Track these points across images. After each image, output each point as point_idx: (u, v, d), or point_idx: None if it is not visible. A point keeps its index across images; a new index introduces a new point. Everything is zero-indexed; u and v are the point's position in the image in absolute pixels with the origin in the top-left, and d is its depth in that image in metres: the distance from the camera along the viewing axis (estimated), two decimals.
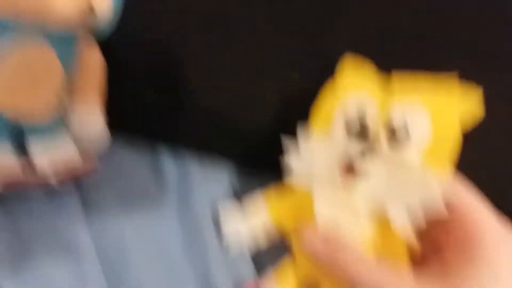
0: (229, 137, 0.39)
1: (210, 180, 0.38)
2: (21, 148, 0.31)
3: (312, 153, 0.30)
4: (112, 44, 0.33)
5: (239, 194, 0.39)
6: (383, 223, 0.28)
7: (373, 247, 0.28)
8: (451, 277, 0.23)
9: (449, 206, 0.25)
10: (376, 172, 0.28)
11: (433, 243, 0.26)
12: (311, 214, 0.29)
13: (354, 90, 0.29)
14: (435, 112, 0.27)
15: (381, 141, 0.27)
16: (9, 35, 0.27)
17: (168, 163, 0.39)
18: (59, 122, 0.32)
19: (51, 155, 0.31)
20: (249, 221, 0.32)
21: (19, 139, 0.31)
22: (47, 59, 0.30)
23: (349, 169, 0.28)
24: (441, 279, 0.23)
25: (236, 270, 0.35)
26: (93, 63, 0.33)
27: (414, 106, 0.27)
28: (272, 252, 0.35)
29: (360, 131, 0.28)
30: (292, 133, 0.31)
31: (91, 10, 0.29)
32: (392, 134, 0.27)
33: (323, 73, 0.32)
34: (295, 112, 0.32)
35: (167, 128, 0.39)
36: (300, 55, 0.36)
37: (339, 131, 0.29)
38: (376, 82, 0.30)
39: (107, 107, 0.35)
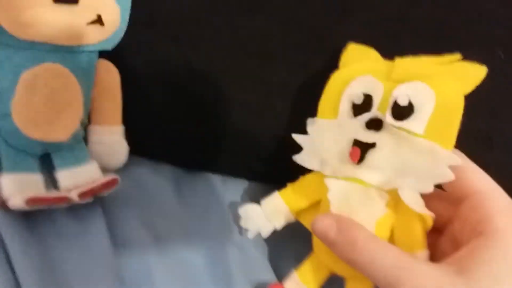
0: (250, 154, 0.39)
1: (232, 195, 0.39)
2: (46, 166, 0.32)
3: (320, 133, 0.31)
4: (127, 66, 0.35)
5: None
6: (394, 197, 0.28)
7: (386, 225, 0.28)
8: (464, 261, 0.23)
9: (462, 191, 0.26)
10: (383, 144, 0.28)
11: (453, 240, 0.26)
12: (324, 195, 0.29)
13: (360, 74, 0.30)
14: (439, 88, 0.27)
15: (386, 116, 0.27)
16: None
17: (189, 180, 0.39)
18: (82, 142, 0.34)
19: (74, 173, 0.32)
20: (265, 205, 0.34)
21: (44, 158, 0.32)
22: (69, 87, 0.31)
23: (358, 145, 0.29)
24: (455, 263, 0.23)
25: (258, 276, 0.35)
26: (111, 80, 0.34)
27: (418, 84, 0.27)
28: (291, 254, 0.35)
29: (365, 103, 0.29)
30: None
31: (99, 20, 0.30)
32: (397, 109, 0.27)
33: None
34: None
35: (187, 152, 0.40)
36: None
37: (345, 110, 0.30)
38: (381, 66, 0.30)
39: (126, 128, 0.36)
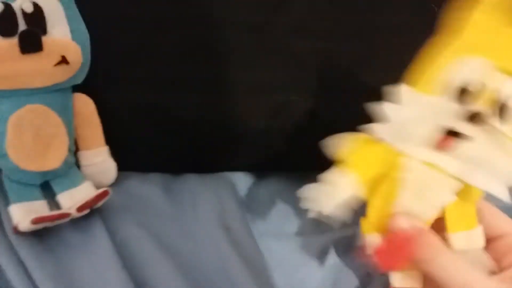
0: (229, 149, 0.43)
1: (218, 191, 0.43)
2: (48, 193, 0.38)
3: (412, 108, 0.28)
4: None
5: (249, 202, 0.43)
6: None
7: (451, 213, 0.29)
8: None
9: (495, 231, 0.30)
10: (479, 139, 0.27)
11: None
12: (392, 171, 0.29)
13: (476, 52, 0.27)
14: None
15: (489, 112, 0.27)
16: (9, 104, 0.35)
17: (176, 182, 0.44)
18: (74, 166, 0.39)
19: (72, 194, 0.38)
20: (333, 179, 0.30)
21: (45, 186, 0.38)
22: (52, 121, 0.36)
23: (451, 134, 0.27)
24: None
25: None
26: (88, 110, 0.39)
27: None
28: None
29: (477, 91, 0.27)
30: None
31: (64, 61, 0.35)
32: (501, 107, 0.27)
33: None
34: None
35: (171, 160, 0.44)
36: None
37: (448, 91, 0.27)
38: (504, 43, 0.27)
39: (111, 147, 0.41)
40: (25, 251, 0.34)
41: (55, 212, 0.35)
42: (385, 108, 0.28)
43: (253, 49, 0.40)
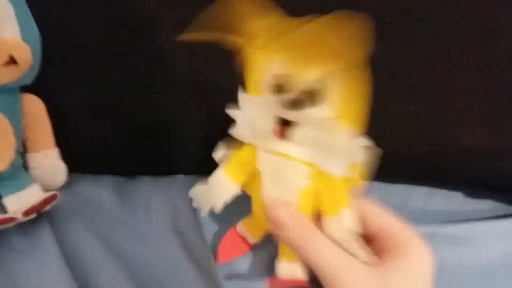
0: (177, 153, 0.43)
1: (170, 194, 0.43)
2: None
3: (251, 108, 0.32)
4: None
5: None
6: (315, 169, 0.31)
7: (308, 195, 0.32)
8: (384, 266, 0.29)
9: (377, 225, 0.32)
10: (304, 121, 0.30)
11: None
12: (255, 164, 0.32)
13: (273, 51, 0.30)
14: (348, 73, 0.29)
15: (304, 98, 0.29)
16: None
17: (129, 185, 0.44)
18: (22, 169, 0.38)
19: (19, 198, 0.37)
20: (211, 183, 0.35)
21: None
22: None
23: (282, 123, 0.31)
24: (379, 268, 0.29)
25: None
26: (37, 111, 0.39)
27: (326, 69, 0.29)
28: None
29: (283, 82, 0.30)
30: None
31: (13, 61, 0.34)
32: (310, 92, 0.29)
33: None
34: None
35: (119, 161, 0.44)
36: None
37: (267, 88, 0.31)
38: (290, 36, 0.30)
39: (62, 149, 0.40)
40: None
41: (0, 216, 0.34)
42: (232, 112, 0.33)
43: (209, 52, 0.40)
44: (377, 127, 0.31)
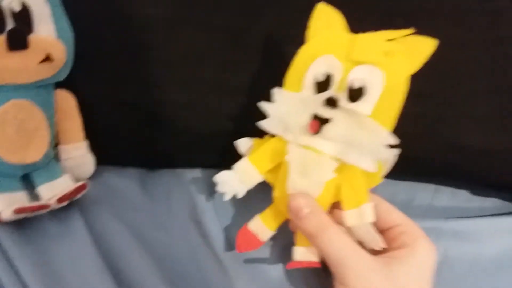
0: (199, 147, 0.46)
1: (190, 185, 0.45)
2: (29, 184, 0.39)
3: (285, 103, 0.35)
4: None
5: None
6: (342, 164, 0.33)
7: (332, 186, 0.34)
8: (394, 260, 0.32)
9: (388, 221, 0.35)
10: (337, 120, 0.33)
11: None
12: (285, 158, 0.34)
13: (324, 52, 0.33)
14: (389, 70, 0.32)
15: (342, 97, 0.32)
16: None
17: (151, 177, 0.47)
18: (54, 160, 0.41)
19: (51, 186, 0.40)
20: (236, 169, 0.37)
21: (26, 178, 0.39)
22: (35, 116, 0.38)
23: (317, 119, 0.33)
24: (384, 259, 0.32)
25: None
26: (69, 106, 0.42)
27: (370, 68, 0.32)
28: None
29: (326, 81, 0.33)
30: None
31: (49, 58, 0.37)
32: (352, 91, 0.32)
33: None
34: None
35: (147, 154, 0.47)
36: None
37: (308, 86, 0.34)
38: (343, 41, 0.33)
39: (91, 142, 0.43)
40: (6, 240, 0.36)
41: (36, 203, 0.37)
42: (264, 106, 0.35)
43: (229, 52, 0.42)
44: None
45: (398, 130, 0.36)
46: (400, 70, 0.32)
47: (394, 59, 0.32)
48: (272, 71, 0.37)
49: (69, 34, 0.39)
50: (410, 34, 0.32)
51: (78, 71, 0.40)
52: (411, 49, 0.32)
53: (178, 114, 0.44)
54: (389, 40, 0.32)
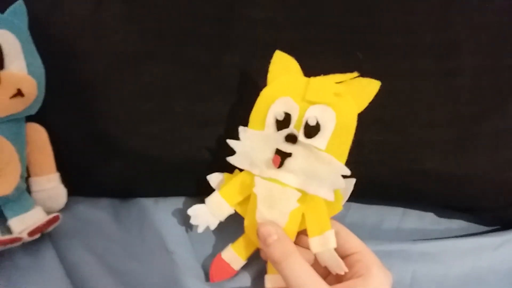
0: (171, 176, 0.46)
1: (164, 215, 0.46)
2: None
3: (250, 141, 0.38)
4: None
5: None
6: (304, 194, 0.36)
7: (297, 215, 0.37)
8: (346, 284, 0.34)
9: (346, 249, 0.36)
10: (297, 154, 0.36)
11: (337, 277, 0.36)
12: (250, 189, 0.38)
13: (282, 94, 0.37)
14: (339, 109, 0.35)
15: (300, 133, 0.36)
16: None
17: (124, 207, 0.47)
18: (25, 192, 0.41)
19: (23, 219, 0.40)
20: (208, 203, 0.40)
21: None
22: (5, 149, 0.38)
23: (279, 154, 0.37)
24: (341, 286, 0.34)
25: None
26: (40, 138, 0.42)
27: (323, 107, 0.36)
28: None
29: (285, 120, 0.37)
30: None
31: (20, 93, 0.37)
32: (307, 128, 0.36)
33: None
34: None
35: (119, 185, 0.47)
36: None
37: (270, 124, 0.37)
38: (299, 84, 0.37)
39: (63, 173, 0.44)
40: None
41: (7, 237, 0.37)
42: (232, 143, 0.38)
43: (200, 84, 0.43)
44: (351, 154, 0.36)
45: (363, 157, 0.38)
46: (349, 109, 0.36)
47: (343, 99, 0.36)
48: (242, 103, 0.39)
49: (40, 69, 0.40)
50: (356, 77, 0.35)
51: (49, 105, 0.41)
52: (358, 90, 0.35)
53: (149, 146, 0.45)
54: (338, 82, 0.36)
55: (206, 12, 0.42)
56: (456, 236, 0.47)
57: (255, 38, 0.42)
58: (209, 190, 0.41)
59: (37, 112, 0.41)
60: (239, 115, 0.39)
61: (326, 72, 0.36)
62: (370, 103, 0.35)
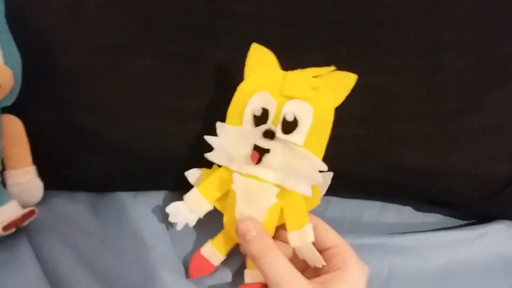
0: (153, 171, 0.46)
1: (144, 209, 0.45)
2: None
3: (228, 137, 0.37)
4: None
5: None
6: (283, 189, 0.36)
7: (275, 211, 0.37)
8: (328, 283, 0.34)
9: (324, 243, 0.37)
10: (275, 150, 0.36)
11: (315, 270, 0.37)
12: (229, 185, 0.37)
13: (259, 89, 0.36)
14: (316, 104, 0.35)
15: (277, 129, 0.35)
16: None
17: (102, 201, 0.46)
18: (0, 185, 0.40)
19: None
20: (187, 200, 0.40)
21: None
22: None
23: (257, 150, 0.36)
24: (321, 284, 0.34)
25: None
26: (16, 130, 0.41)
27: (300, 102, 0.35)
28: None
29: (262, 115, 0.36)
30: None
31: None
32: (285, 124, 0.35)
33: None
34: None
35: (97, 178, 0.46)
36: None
37: (248, 120, 0.37)
38: (276, 78, 0.36)
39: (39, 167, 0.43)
40: None
41: None
42: (209, 140, 0.38)
43: (184, 79, 0.43)
44: (331, 148, 0.36)
45: (343, 152, 0.38)
46: (326, 104, 0.36)
47: (320, 93, 0.35)
48: (227, 98, 0.38)
49: (17, 59, 0.39)
50: (333, 71, 0.35)
51: (25, 96, 0.40)
52: (335, 84, 0.35)
53: (130, 140, 0.44)
54: (315, 76, 0.35)
55: (191, 5, 0.42)
56: (434, 230, 0.47)
57: (240, 32, 0.41)
58: (190, 184, 0.41)
59: (14, 104, 0.40)
60: (223, 110, 0.39)
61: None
62: (351, 98, 0.35)
